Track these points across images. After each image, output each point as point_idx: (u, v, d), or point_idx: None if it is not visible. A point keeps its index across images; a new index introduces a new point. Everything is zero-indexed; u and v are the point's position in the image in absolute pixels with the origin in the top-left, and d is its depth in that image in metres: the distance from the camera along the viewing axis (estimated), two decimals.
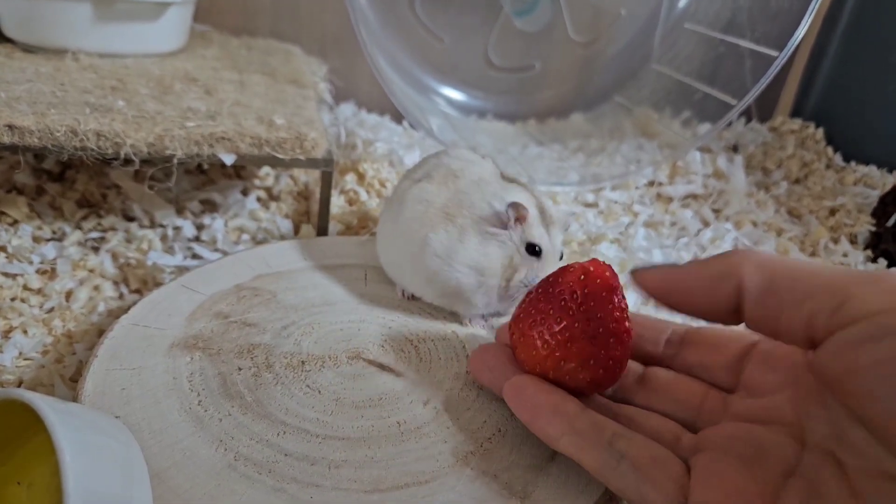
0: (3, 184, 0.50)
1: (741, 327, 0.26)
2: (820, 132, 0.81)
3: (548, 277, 0.28)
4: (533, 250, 0.35)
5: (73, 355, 0.37)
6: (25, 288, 0.42)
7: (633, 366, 0.30)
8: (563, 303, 0.27)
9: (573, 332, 0.26)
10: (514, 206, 0.34)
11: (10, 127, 0.39)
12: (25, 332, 0.38)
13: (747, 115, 0.85)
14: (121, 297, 0.43)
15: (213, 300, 0.37)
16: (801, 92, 0.86)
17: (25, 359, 0.37)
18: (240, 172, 0.58)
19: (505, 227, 0.35)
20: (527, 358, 0.28)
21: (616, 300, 0.27)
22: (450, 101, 0.72)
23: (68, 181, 0.52)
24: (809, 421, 0.22)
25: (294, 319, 0.36)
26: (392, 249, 0.40)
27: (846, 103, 0.80)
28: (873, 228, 0.61)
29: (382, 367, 0.33)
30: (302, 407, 0.30)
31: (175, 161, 0.42)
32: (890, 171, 0.72)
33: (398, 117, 0.75)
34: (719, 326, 0.28)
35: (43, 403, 0.22)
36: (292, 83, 0.57)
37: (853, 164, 0.75)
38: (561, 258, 0.36)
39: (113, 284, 0.43)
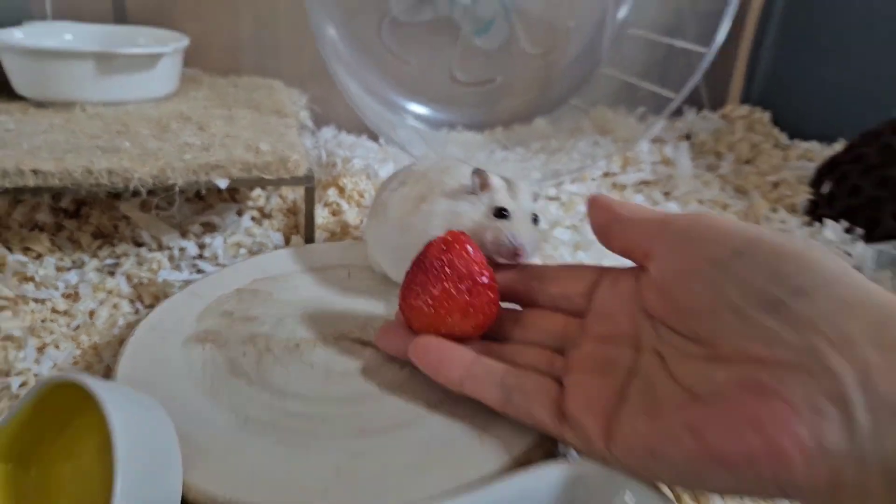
0: (26, 223, 0.56)
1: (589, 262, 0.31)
2: (766, 115, 0.87)
3: (417, 256, 0.34)
4: (500, 213, 0.37)
5: (101, 363, 0.43)
6: (54, 310, 0.47)
7: (511, 310, 0.36)
8: (434, 272, 0.33)
9: (448, 292, 0.32)
10: (478, 172, 0.37)
11: (35, 171, 0.45)
12: (57, 346, 0.44)
13: (699, 105, 0.91)
14: (136, 311, 0.48)
15: (218, 302, 0.43)
16: (746, 80, 0.93)
17: (59, 369, 0.42)
18: (234, 196, 0.64)
19: (473, 194, 0.38)
20: (419, 325, 0.34)
21: (475, 258, 0.33)
22: (420, 117, 0.78)
23: (83, 217, 0.58)
24: (641, 331, 0.29)
25: (289, 312, 0.42)
26: (382, 245, 0.45)
27: (788, 87, 0.87)
28: (812, 197, 0.67)
29: (364, 343, 0.39)
30: (299, 379, 0.36)
31: (177, 189, 0.48)
32: (829, 144, 0.79)
33: (374, 135, 0.82)
34: (571, 263, 0.35)
35: (92, 382, 0.27)
36: (275, 114, 0.63)
37: (796, 141, 0.82)
38: (536, 222, 0.38)
39: (129, 302, 0.49)
